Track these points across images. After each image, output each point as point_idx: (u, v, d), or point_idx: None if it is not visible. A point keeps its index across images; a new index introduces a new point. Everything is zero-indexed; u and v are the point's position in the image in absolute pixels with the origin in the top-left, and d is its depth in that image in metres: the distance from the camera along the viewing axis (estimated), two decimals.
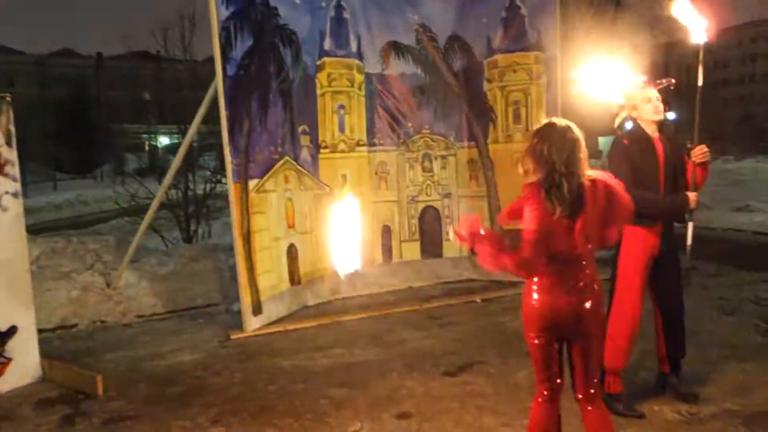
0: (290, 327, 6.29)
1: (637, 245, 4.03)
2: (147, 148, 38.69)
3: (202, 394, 4.75)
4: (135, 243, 6.94)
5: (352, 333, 6.12)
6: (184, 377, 5.12)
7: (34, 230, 11.47)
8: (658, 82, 4.11)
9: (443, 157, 7.72)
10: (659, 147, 4.04)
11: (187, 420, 4.29)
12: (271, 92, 6.42)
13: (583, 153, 2.81)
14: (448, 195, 7.76)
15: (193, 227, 9.37)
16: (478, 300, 7.06)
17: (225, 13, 5.89)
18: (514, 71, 7.47)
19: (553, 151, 2.75)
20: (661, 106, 4.02)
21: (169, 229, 9.54)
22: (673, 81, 4.16)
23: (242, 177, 6.06)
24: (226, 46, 5.90)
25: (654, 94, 4.04)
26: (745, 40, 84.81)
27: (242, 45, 6.08)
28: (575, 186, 2.73)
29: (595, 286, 2.87)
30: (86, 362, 5.42)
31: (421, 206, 7.71)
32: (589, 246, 2.83)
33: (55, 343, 6.14)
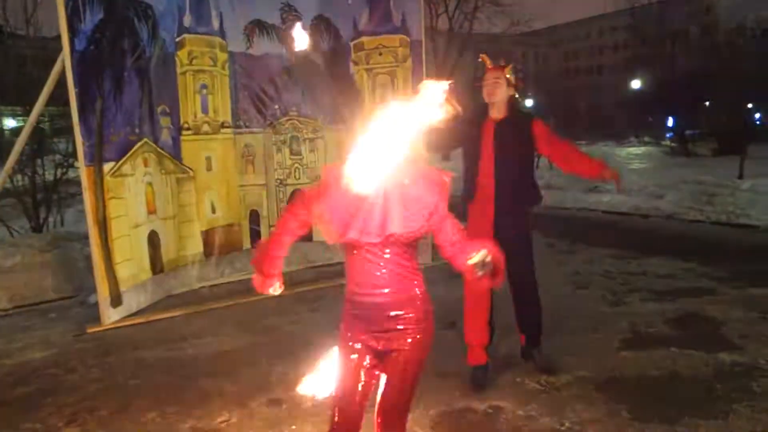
0: (154, 317, 6.00)
1: (473, 225, 4.09)
2: None
3: (55, 392, 4.42)
4: None
5: (220, 321, 5.93)
6: (34, 376, 4.75)
7: None
8: (501, 64, 4.09)
9: (311, 139, 7.62)
10: (489, 129, 4.04)
11: (38, 422, 3.99)
12: (125, 69, 6.02)
13: None
14: (317, 178, 7.67)
15: (43, 215, 8.67)
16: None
17: None
18: (381, 54, 7.48)
19: None
20: (494, 90, 4.00)
21: (17, 218, 8.79)
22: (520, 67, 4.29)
23: (96, 160, 5.66)
24: (74, 18, 5.46)
25: (491, 76, 4.02)
26: (593, 33, 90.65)
27: (92, 18, 5.64)
28: None
29: None
30: None
31: (290, 190, 7.56)
32: None
33: None
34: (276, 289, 2.64)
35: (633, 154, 27.01)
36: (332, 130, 7.65)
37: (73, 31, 5.45)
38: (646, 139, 33.18)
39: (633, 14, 36.60)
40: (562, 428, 3.66)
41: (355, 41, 7.57)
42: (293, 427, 3.79)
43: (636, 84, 38.79)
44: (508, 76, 4.02)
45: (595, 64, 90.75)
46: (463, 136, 4.08)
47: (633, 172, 17.85)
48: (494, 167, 4.00)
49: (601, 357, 4.69)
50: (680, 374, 4.33)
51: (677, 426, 3.60)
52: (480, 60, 4.15)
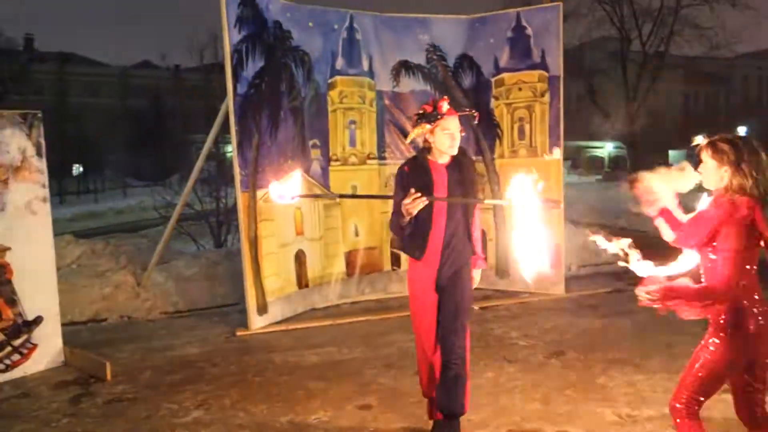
0: (292, 326, 6.78)
1: (414, 280, 3.93)
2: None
3: (197, 381, 5.27)
4: (161, 246, 7.58)
5: (347, 334, 6.54)
6: (186, 367, 5.66)
7: (93, 234, 12.44)
8: (461, 110, 3.93)
9: None
10: (440, 177, 3.75)
11: (175, 403, 4.82)
12: (282, 109, 6.93)
13: None
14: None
15: (225, 234, 10.02)
16: (475, 307, 7.36)
17: (237, 36, 6.45)
18: (520, 89, 7.76)
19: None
20: (458, 140, 3.73)
21: (205, 235, 10.24)
22: (475, 113, 4.05)
23: (251, 187, 6.59)
24: (238, 67, 6.45)
25: (454, 124, 3.69)
26: None
27: (254, 65, 6.62)
28: None
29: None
30: (106, 351, 6.00)
31: None
32: None
33: (84, 334, 6.81)
34: None
35: None
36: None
37: (236, 77, 6.44)
38: None
39: None
40: None
41: (496, 77, 7.92)
42: (372, 429, 4.25)
43: None
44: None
45: None
46: (413, 182, 3.66)
47: None
48: (447, 218, 3.77)
49: None
50: None
51: None
52: (442, 102, 3.74)
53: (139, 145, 43.72)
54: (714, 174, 2.86)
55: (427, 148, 3.81)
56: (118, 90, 58.70)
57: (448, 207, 3.75)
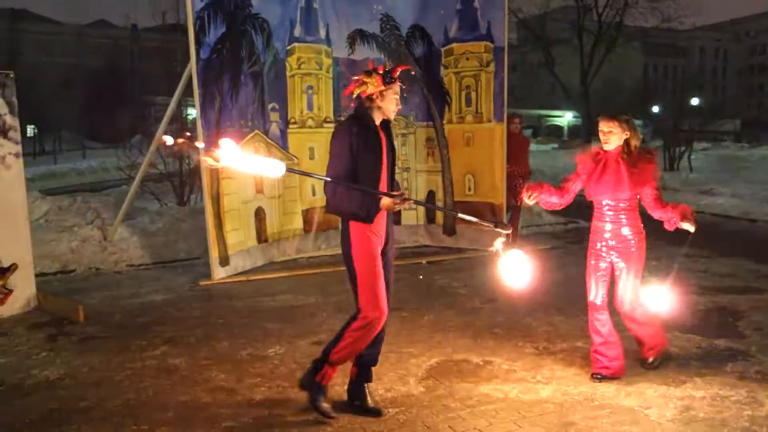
0: (252, 277, 7.30)
1: (368, 244, 3.72)
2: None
3: (163, 323, 5.78)
4: (127, 202, 7.99)
5: (303, 284, 7.09)
6: (152, 311, 6.16)
7: (56, 192, 12.68)
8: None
9: (403, 135, 8.60)
10: (382, 138, 3.72)
11: (144, 340, 5.31)
12: (242, 74, 7.35)
13: None
14: (407, 169, 8.65)
15: (188, 193, 10.42)
16: (423, 262, 7.99)
17: (200, 3, 6.83)
18: (467, 59, 8.30)
19: None
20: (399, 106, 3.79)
21: (168, 194, 10.64)
22: (405, 86, 3.90)
23: (213, 147, 7.01)
24: (200, 33, 6.84)
25: (399, 91, 3.73)
26: None
27: (215, 32, 7.01)
28: None
29: None
30: (77, 298, 6.45)
31: None
32: None
33: (54, 284, 7.23)
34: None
35: None
36: (422, 127, 8.59)
37: (198, 43, 6.83)
38: None
39: None
40: (532, 380, 4.40)
41: (446, 47, 8.44)
42: None
43: None
44: None
45: None
46: (361, 141, 3.63)
47: None
48: (387, 179, 3.78)
49: None
50: (668, 352, 4.84)
51: (628, 387, 4.20)
52: (399, 68, 3.77)
53: (97, 106, 43.10)
54: (619, 138, 4.20)
55: (369, 108, 3.70)
56: (72, 49, 57.49)
57: (389, 172, 3.77)
